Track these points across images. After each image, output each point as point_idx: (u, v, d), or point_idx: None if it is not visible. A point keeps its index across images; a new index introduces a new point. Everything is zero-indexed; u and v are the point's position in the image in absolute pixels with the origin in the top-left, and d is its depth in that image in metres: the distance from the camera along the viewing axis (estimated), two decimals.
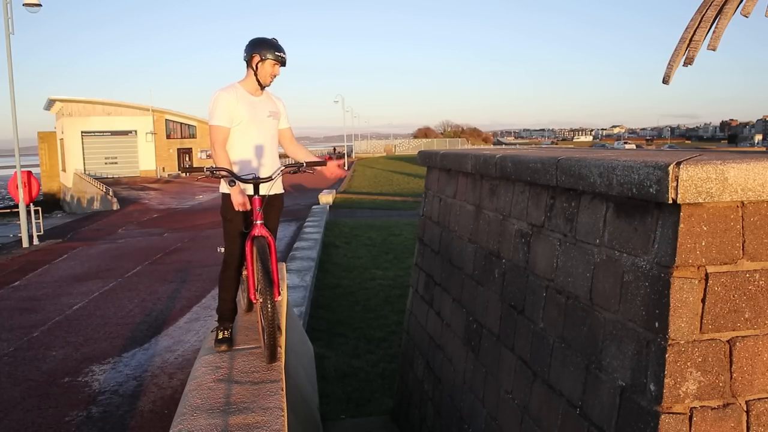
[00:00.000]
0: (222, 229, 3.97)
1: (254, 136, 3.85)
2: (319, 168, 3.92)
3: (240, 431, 2.79)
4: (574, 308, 2.98)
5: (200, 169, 3.61)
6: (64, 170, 55.62)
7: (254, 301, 3.77)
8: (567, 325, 3.05)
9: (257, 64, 3.75)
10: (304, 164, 3.84)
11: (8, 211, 25.98)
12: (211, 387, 3.28)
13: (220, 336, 3.95)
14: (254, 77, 3.80)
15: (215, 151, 3.77)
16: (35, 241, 18.87)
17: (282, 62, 3.79)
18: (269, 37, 3.81)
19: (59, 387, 6.85)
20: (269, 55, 3.72)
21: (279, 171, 3.79)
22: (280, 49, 3.76)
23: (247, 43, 3.80)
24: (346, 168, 57.77)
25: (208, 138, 3.94)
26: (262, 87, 3.86)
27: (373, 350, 9.01)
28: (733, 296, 2.36)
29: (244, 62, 3.83)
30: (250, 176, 3.68)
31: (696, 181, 2.24)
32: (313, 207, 25.20)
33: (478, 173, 4.47)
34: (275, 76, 3.83)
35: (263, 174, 3.83)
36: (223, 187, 3.88)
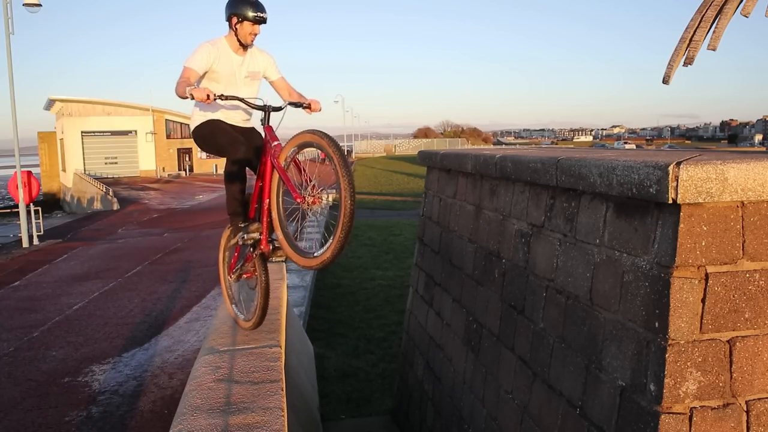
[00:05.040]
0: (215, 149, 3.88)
1: (230, 90, 3.80)
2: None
3: (240, 431, 2.79)
4: (574, 308, 2.99)
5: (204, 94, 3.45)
6: (64, 170, 55.60)
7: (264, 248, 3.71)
8: (567, 325, 3.05)
9: (236, 25, 3.68)
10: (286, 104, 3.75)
11: (8, 211, 25.97)
12: (211, 387, 3.28)
13: (242, 224, 3.86)
14: (235, 37, 3.74)
15: (177, 85, 3.60)
16: (35, 241, 18.87)
17: (261, 21, 3.69)
18: None
19: (59, 387, 6.85)
20: (248, 15, 3.63)
21: (286, 105, 3.74)
22: (258, 8, 3.66)
23: (227, 1, 3.72)
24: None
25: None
26: (245, 47, 3.81)
27: (373, 350, 9.01)
28: (733, 296, 2.36)
29: (226, 22, 3.76)
30: (258, 101, 3.66)
31: (696, 181, 2.24)
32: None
33: (478, 173, 4.47)
34: (255, 35, 3.75)
35: (237, 119, 3.90)
36: (196, 119, 3.87)
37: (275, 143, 3.50)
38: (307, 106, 3.77)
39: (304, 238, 3.73)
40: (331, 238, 3.05)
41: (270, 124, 3.65)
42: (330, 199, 3.77)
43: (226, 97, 3.52)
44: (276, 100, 3.84)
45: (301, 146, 3.32)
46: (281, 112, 3.74)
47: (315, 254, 3.18)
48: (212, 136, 3.84)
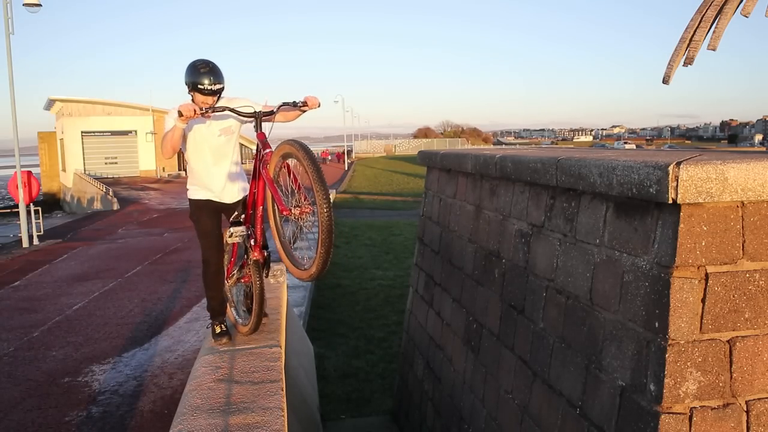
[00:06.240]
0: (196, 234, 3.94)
1: (208, 156, 3.80)
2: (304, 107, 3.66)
3: (240, 431, 2.79)
4: (574, 308, 2.99)
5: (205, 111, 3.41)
6: (64, 170, 55.53)
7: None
8: (567, 325, 3.05)
9: (191, 92, 3.60)
10: (279, 106, 3.63)
11: (8, 211, 25.94)
12: (211, 387, 3.28)
13: (218, 330, 4.00)
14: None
15: (162, 142, 3.59)
16: (35, 241, 18.84)
17: (210, 94, 3.54)
18: (203, 61, 3.58)
19: (59, 387, 6.85)
20: (198, 86, 3.52)
21: (278, 107, 3.61)
22: (211, 79, 3.52)
23: (186, 66, 3.62)
24: (346, 168, 57.73)
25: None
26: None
27: (373, 350, 9.02)
28: (733, 296, 2.36)
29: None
30: (249, 109, 3.56)
31: (696, 181, 2.24)
32: (313, 207, 25.09)
33: (478, 173, 4.47)
34: (210, 105, 3.59)
35: (226, 195, 3.84)
36: (188, 193, 3.90)
37: (266, 151, 3.42)
38: (304, 104, 3.64)
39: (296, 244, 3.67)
40: (314, 253, 3.03)
41: (263, 130, 3.55)
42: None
43: (215, 109, 3.46)
44: (270, 105, 3.70)
45: (285, 156, 3.25)
46: (270, 120, 3.63)
47: (305, 267, 3.19)
48: (197, 223, 3.87)
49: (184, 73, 3.59)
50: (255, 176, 3.64)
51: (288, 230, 3.51)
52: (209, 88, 3.51)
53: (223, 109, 3.51)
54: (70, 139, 54.96)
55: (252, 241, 3.77)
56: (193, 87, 3.54)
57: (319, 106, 3.70)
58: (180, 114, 3.31)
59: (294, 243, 3.51)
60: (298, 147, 3.06)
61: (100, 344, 8.31)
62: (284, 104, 3.62)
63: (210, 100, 3.57)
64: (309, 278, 3.17)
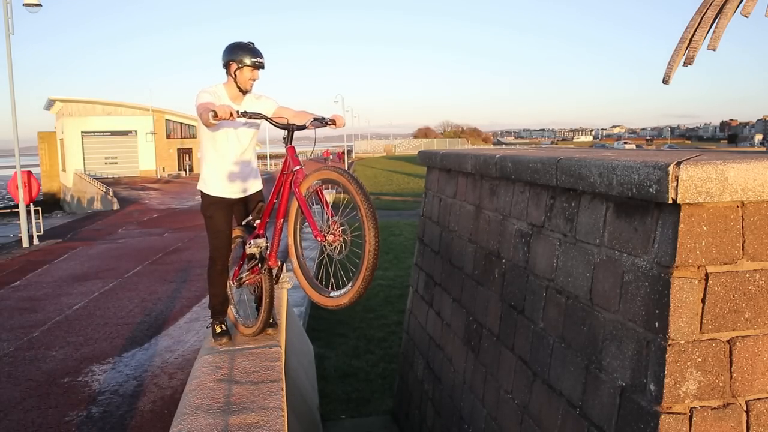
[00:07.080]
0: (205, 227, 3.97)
1: (233, 143, 3.81)
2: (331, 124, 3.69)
3: (240, 431, 2.79)
4: (574, 308, 2.99)
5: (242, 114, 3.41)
6: (64, 170, 55.57)
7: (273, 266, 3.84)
8: (567, 325, 3.05)
9: (235, 71, 3.67)
10: (310, 121, 3.61)
11: (8, 211, 25.95)
12: (211, 387, 3.28)
13: (218, 330, 4.02)
14: (234, 84, 3.72)
15: (200, 115, 3.53)
16: (35, 241, 18.84)
17: (260, 67, 3.70)
18: (246, 41, 3.72)
19: (59, 387, 6.85)
20: (246, 61, 3.62)
21: (311, 122, 3.60)
22: (257, 54, 3.67)
23: (224, 48, 3.72)
24: (346, 168, 57.78)
25: (198, 131, 3.87)
26: (244, 92, 3.78)
27: (373, 350, 9.02)
28: (733, 296, 2.36)
29: (223, 69, 3.74)
30: (284, 121, 3.58)
31: (696, 181, 2.24)
32: (313, 206, 25.14)
33: (478, 173, 4.47)
34: (255, 80, 3.75)
35: (241, 191, 3.87)
36: (201, 185, 3.90)
37: (297, 168, 3.38)
38: (332, 122, 3.66)
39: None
40: (350, 285, 2.99)
41: (292, 144, 3.54)
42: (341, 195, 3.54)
43: (250, 115, 3.44)
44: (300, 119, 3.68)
45: (325, 182, 3.22)
46: (313, 135, 3.65)
47: (331, 294, 3.14)
48: (209, 219, 3.89)
49: (223, 54, 3.68)
50: (278, 187, 3.62)
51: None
52: (261, 60, 3.69)
53: (260, 116, 3.52)
54: (70, 139, 54.98)
55: (268, 250, 3.79)
56: (241, 63, 3.64)
57: (344, 125, 3.76)
58: (215, 114, 3.26)
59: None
60: (349, 179, 2.99)
61: (100, 344, 8.31)
62: (315, 119, 3.62)
63: (257, 74, 3.73)
64: (336, 307, 3.13)
